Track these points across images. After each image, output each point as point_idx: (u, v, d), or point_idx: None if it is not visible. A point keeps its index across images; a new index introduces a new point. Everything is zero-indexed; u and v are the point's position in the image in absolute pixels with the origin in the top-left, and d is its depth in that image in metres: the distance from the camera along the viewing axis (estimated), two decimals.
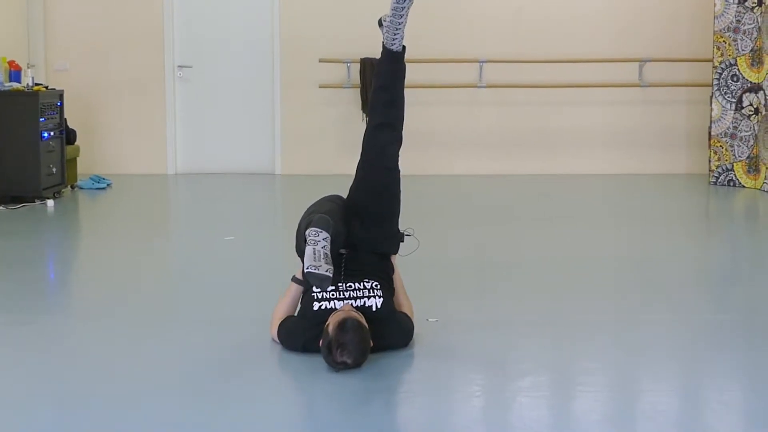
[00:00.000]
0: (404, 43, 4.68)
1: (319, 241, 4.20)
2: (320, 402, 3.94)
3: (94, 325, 5.04)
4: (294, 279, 4.67)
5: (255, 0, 11.43)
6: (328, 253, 4.20)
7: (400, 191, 4.73)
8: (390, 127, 4.72)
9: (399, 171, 4.74)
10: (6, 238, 7.72)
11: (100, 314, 5.26)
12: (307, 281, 4.48)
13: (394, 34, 4.62)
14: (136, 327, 4.97)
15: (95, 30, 11.37)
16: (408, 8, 4.56)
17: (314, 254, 4.16)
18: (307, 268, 4.15)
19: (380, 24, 4.69)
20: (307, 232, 4.25)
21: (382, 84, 4.76)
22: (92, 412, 3.74)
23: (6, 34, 9.75)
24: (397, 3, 4.53)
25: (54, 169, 9.48)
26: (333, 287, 4.42)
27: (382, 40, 4.69)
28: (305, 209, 4.70)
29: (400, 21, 4.58)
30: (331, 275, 4.17)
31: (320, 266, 4.13)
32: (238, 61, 11.52)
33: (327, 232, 4.22)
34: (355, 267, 4.53)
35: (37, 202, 9.15)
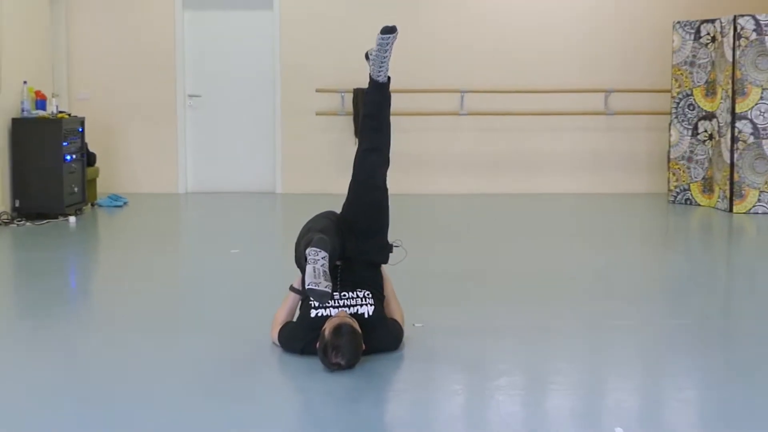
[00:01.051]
0: (390, 74, 4.69)
1: (318, 260, 4.18)
2: (316, 399, 3.93)
3: (111, 329, 5.03)
4: (291, 288, 4.67)
5: (258, 36, 11.45)
6: (327, 270, 4.19)
7: (388, 207, 4.72)
8: (378, 151, 4.72)
9: (387, 189, 4.73)
10: (31, 251, 7.70)
11: (116, 320, 5.25)
12: (305, 293, 4.49)
13: (380, 67, 4.62)
14: (149, 331, 4.96)
15: (114, 63, 11.37)
16: (391, 44, 4.56)
17: (314, 272, 4.15)
18: (308, 285, 4.13)
19: (367, 57, 4.69)
20: (307, 252, 4.22)
21: (370, 112, 4.76)
22: (108, 410, 3.73)
23: (33, 66, 9.73)
24: (382, 39, 4.54)
25: (76, 189, 9.46)
26: None
27: (368, 71, 4.70)
28: (303, 224, 4.70)
29: (384, 55, 4.59)
30: (330, 291, 4.16)
31: (320, 283, 4.12)
32: (242, 91, 11.52)
33: (325, 251, 4.20)
34: (349, 277, 4.53)
35: (60, 219, 9.12)
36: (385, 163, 4.73)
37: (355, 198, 4.70)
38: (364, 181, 4.68)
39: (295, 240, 4.65)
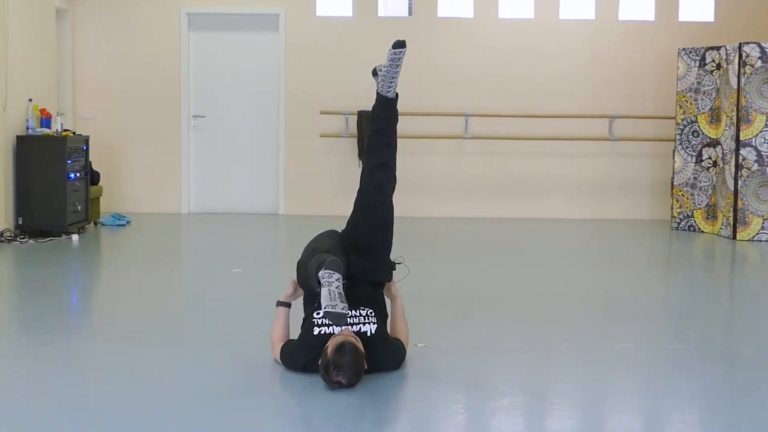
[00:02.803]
0: (397, 91, 4.74)
1: (332, 282, 4.18)
2: (317, 416, 3.94)
3: (113, 346, 5.04)
4: (279, 303, 4.71)
5: (263, 57, 11.52)
6: (342, 292, 4.20)
7: (393, 224, 4.76)
8: (386, 167, 4.75)
9: (393, 206, 4.76)
10: (34, 268, 7.72)
11: (118, 337, 5.26)
12: (290, 302, 4.56)
13: (390, 83, 4.67)
14: (150, 348, 4.97)
15: (118, 83, 11.43)
16: (402, 59, 4.61)
17: (330, 295, 4.15)
18: (325, 308, 4.12)
19: (374, 74, 4.74)
20: (320, 275, 4.21)
21: (379, 128, 4.79)
22: (109, 426, 3.74)
23: (38, 85, 9.80)
24: (394, 54, 4.59)
25: (79, 207, 9.50)
26: None
27: (376, 88, 4.73)
28: (306, 244, 4.73)
29: (395, 70, 4.64)
30: (347, 312, 4.16)
31: (336, 305, 4.13)
32: (246, 112, 11.58)
33: (339, 273, 4.21)
34: (352, 296, 4.54)
35: (63, 237, 9.15)
36: (393, 179, 4.77)
37: (362, 214, 4.72)
38: (373, 197, 4.70)
39: (297, 260, 4.67)
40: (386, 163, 4.75)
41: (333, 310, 4.12)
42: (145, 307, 6.14)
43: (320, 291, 4.20)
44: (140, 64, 11.42)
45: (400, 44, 4.61)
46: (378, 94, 4.72)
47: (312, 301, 4.53)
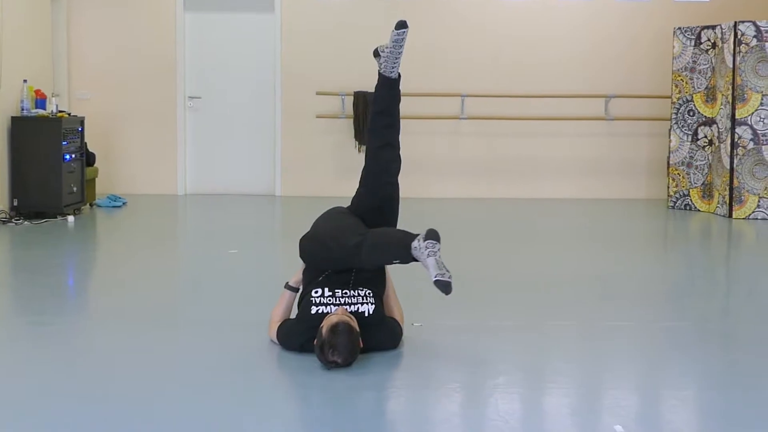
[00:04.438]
0: (399, 71, 4.71)
1: (436, 251, 4.23)
2: (314, 396, 3.93)
3: (109, 326, 5.03)
4: (287, 286, 4.68)
5: (259, 38, 11.46)
6: (443, 262, 4.24)
7: (398, 204, 4.76)
8: (391, 146, 4.77)
9: (398, 186, 4.76)
10: (30, 249, 7.70)
11: (114, 317, 5.25)
12: (299, 287, 4.52)
13: (393, 63, 4.66)
14: (146, 329, 4.96)
15: (114, 63, 11.38)
16: (405, 39, 4.60)
17: (437, 264, 4.20)
18: (435, 277, 4.17)
19: (375, 54, 4.72)
20: (420, 245, 4.24)
21: (381, 109, 4.78)
22: (106, 408, 3.72)
23: (33, 65, 9.75)
24: (397, 35, 4.58)
25: (75, 188, 9.46)
26: (330, 293, 4.42)
27: (378, 69, 4.71)
28: (303, 225, 4.70)
29: (399, 51, 4.64)
30: (452, 281, 4.20)
31: (444, 273, 4.18)
32: (243, 93, 11.53)
33: (439, 242, 4.26)
34: (356, 278, 4.52)
35: (59, 218, 9.12)
36: (398, 158, 4.79)
37: (368, 193, 4.73)
38: (379, 176, 4.72)
39: (296, 240, 4.64)
40: (390, 143, 4.76)
41: (442, 278, 4.17)
42: (141, 288, 6.12)
43: (426, 260, 4.21)
44: (136, 44, 11.36)
45: (402, 24, 4.61)
46: (380, 74, 4.71)
47: (313, 278, 4.50)
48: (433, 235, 4.26)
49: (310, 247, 4.56)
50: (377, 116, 4.79)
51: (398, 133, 4.82)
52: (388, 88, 4.75)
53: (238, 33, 11.47)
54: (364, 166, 4.77)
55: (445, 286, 4.19)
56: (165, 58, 11.39)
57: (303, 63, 11.35)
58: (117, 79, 11.38)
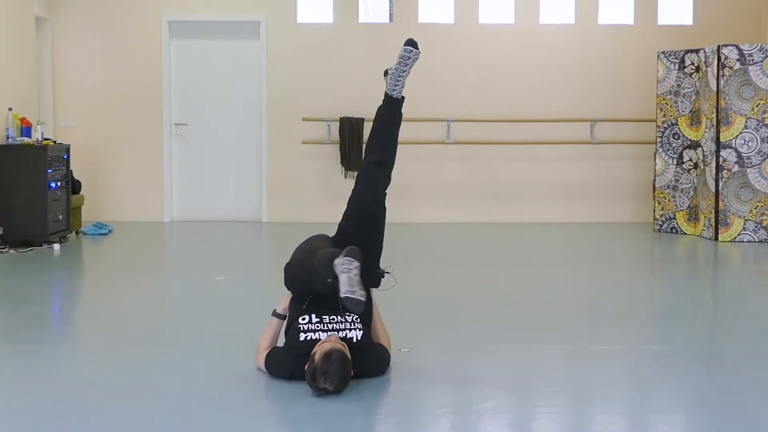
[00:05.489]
0: (403, 95, 4.73)
1: (352, 269, 4.18)
2: (303, 423, 3.92)
3: (94, 355, 5.01)
4: (274, 314, 4.67)
5: (244, 64, 11.50)
6: (360, 280, 4.19)
7: (384, 226, 4.75)
8: (384, 165, 4.76)
9: (385, 207, 4.76)
10: (15, 278, 7.67)
11: (100, 346, 5.23)
12: (286, 315, 4.50)
13: (396, 82, 4.68)
14: (132, 357, 4.94)
15: (100, 90, 11.39)
16: (414, 59, 4.62)
17: (349, 281, 4.15)
18: (344, 294, 4.11)
19: (385, 74, 4.75)
20: (338, 261, 4.20)
21: (381, 127, 4.80)
22: None
23: (18, 93, 9.75)
24: (404, 53, 4.62)
25: (60, 216, 9.44)
26: (318, 319, 4.41)
27: (385, 89, 4.73)
28: (291, 251, 4.70)
29: (404, 69, 4.66)
30: (364, 300, 4.15)
31: (356, 291, 4.13)
32: (229, 120, 11.56)
33: (358, 261, 4.21)
34: (340, 301, 4.52)
35: (45, 246, 9.10)
36: (388, 179, 4.78)
37: (356, 211, 4.72)
38: (366, 193, 4.71)
39: (282, 266, 4.65)
40: (382, 162, 4.75)
41: (352, 296, 4.11)
42: (127, 316, 6.10)
43: (337, 278, 4.17)
44: (121, 72, 11.38)
45: (411, 43, 4.63)
46: (385, 93, 4.73)
47: (299, 305, 4.50)
48: (351, 253, 4.23)
49: (291, 271, 4.57)
50: (374, 133, 4.82)
51: (393, 154, 4.80)
52: (390, 107, 4.77)
53: (224, 59, 11.51)
54: (355, 183, 4.78)
55: (354, 304, 4.14)
56: (151, 84, 11.41)
57: (289, 89, 11.40)
58: (103, 106, 11.39)
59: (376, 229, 4.72)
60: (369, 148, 4.83)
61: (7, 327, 5.87)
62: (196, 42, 11.50)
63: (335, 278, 4.21)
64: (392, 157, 4.81)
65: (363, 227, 4.68)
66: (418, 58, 4.63)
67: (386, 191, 4.78)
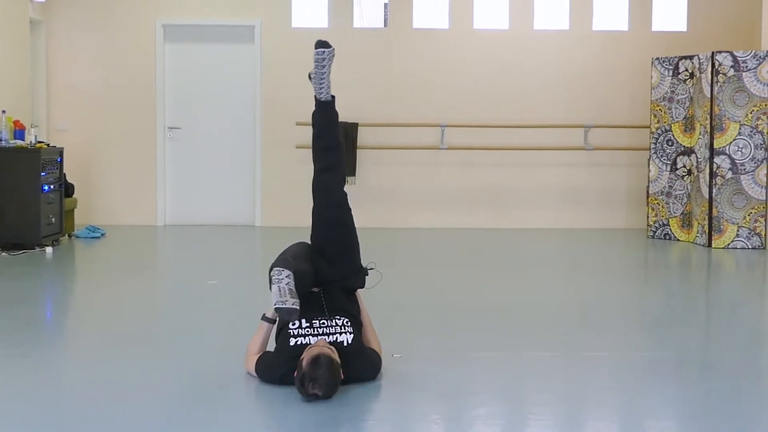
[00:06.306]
0: (333, 93, 4.69)
1: (282, 279, 4.22)
2: (293, 428, 3.90)
3: (86, 358, 4.99)
4: (264, 318, 4.65)
5: (239, 69, 11.49)
6: (293, 288, 4.21)
7: (354, 226, 4.72)
8: (331, 170, 4.75)
9: (349, 209, 4.74)
10: (7, 281, 7.64)
11: (92, 348, 5.20)
12: (276, 319, 4.49)
13: (320, 85, 4.65)
14: (123, 360, 4.92)
15: (94, 94, 11.37)
16: (328, 59, 4.58)
17: (279, 291, 4.19)
18: (275, 304, 4.17)
19: (310, 78, 4.71)
20: (270, 273, 4.28)
21: (320, 132, 4.78)
22: None
23: (12, 96, 9.73)
24: (317, 54, 4.59)
25: (53, 219, 9.41)
26: (308, 324, 4.40)
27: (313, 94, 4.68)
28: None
29: (323, 72, 4.62)
30: (297, 308, 4.17)
31: (287, 301, 4.15)
32: (223, 124, 11.54)
33: (288, 269, 4.24)
34: (327, 305, 4.51)
35: (37, 249, 9.07)
36: (342, 181, 4.77)
37: (318, 220, 4.74)
38: (323, 200, 4.73)
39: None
40: (331, 167, 4.74)
41: (283, 305, 4.15)
42: (119, 319, 6.08)
43: (271, 288, 4.23)
44: (116, 75, 11.37)
45: (320, 44, 4.60)
46: (314, 98, 4.71)
47: None
48: (280, 263, 4.27)
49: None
50: (316, 140, 4.79)
51: (339, 155, 4.76)
52: (322, 110, 4.74)
53: (218, 64, 11.49)
54: (312, 192, 4.78)
55: (286, 313, 4.18)
56: (145, 88, 11.39)
57: (283, 93, 11.38)
58: (96, 109, 11.37)
59: (345, 233, 4.70)
60: (314, 157, 4.79)
61: None
62: (191, 46, 11.48)
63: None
64: (339, 159, 4.77)
65: (332, 236, 4.68)
66: (333, 56, 4.57)
67: (345, 191, 4.75)
